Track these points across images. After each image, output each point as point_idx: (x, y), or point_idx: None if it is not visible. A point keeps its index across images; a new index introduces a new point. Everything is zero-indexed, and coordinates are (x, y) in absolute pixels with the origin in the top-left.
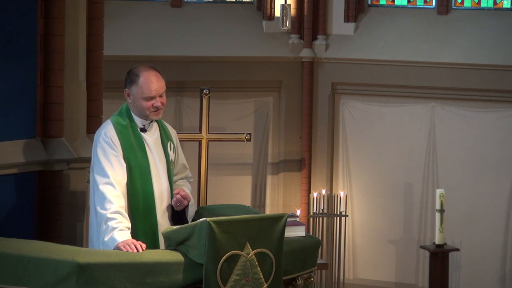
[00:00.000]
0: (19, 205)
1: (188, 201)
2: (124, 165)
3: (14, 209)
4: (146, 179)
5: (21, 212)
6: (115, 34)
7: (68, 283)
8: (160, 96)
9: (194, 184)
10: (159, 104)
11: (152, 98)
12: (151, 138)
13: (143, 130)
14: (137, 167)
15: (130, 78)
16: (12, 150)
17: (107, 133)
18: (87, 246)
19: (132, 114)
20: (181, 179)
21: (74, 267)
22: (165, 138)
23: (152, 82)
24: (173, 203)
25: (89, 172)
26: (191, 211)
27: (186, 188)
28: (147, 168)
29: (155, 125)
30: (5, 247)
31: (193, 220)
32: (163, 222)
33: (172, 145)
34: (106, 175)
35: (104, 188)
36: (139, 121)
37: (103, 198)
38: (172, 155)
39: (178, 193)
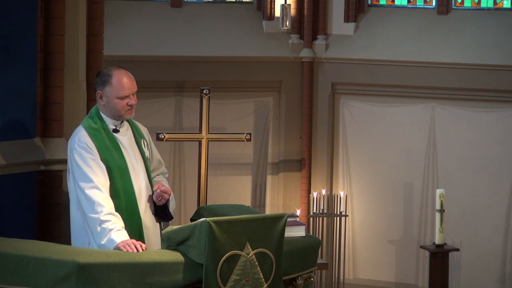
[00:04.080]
0: (19, 205)
1: (169, 195)
2: (104, 167)
3: (14, 209)
4: (125, 178)
5: (21, 212)
6: (115, 34)
7: (68, 283)
8: (133, 94)
9: (194, 184)
10: (133, 102)
11: (126, 96)
12: (124, 137)
13: (116, 131)
14: (116, 167)
15: (102, 79)
16: (12, 150)
17: (81, 138)
18: None
19: (103, 116)
20: (158, 175)
21: (74, 267)
22: (138, 136)
23: (127, 81)
24: (154, 198)
25: None
26: (172, 205)
27: (165, 183)
28: (125, 168)
29: (126, 124)
30: (5, 247)
31: (193, 220)
32: (146, 220)
33: (145, 142)
34: (89, 180)
35: (91, 193)
36: (110, 123)
37: (91, 202)
38: (147, 152)
39: (158, 188)
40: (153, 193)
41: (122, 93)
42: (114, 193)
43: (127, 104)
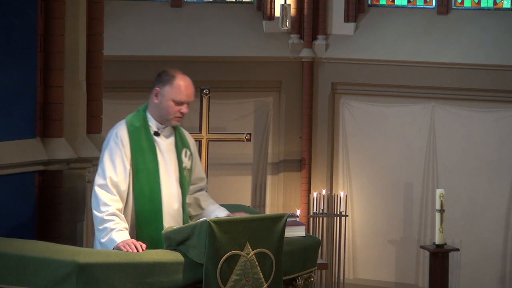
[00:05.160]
0: (19, 205)
1: None
2: (128, 168)
3: (14, 209)
4: (153, 182)
5: (21, 212)
6: (115, 34)
7: (68, 283)
8: (188, 103)
9: None
10: (185, 111)
11: (181, 102)
12: (164, 142)
13: (156, 134)
14: (145, 170)
15: (164, 78)
16: (12, 150)
17: (118, 133)
18: (87, 246)
19: (149, 117)
20: (199, 190)
21: (74, 267)
22: (180, 144)
23: (187, 87)
24: None
25: (89, 172)
26: None
27: (210, 203)
28: (156, 172)
29: (170, 130)
30: (5, 247)
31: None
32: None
33: (188, 153)
34: (104, 177)
35: (98, 191)
36: (154, 124)
37: (98, 200)
38: (187, 162)
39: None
40: (183, 202)
41: (179, 97)
42: (137, 195)
43: (179, 110)
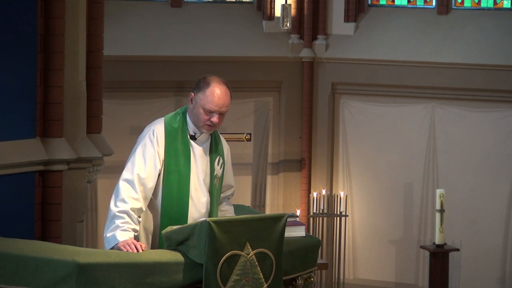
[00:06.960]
0: (19, 205)
1: None
2: (158, 168)
3: (14, 209)
4: (183, 186)
5: (21, 212)
6: (115, 34)
7: (68, 283)
8: (221, 113)
9: None
10: (216, 120)
11: (211, 112)
12: (199, 147)
13: (193, 137)
14: (176, 172)
15: (201, 84)
16: (12, 150)
17: (156, 131)
18: (87, 246)
19: (188, 119)
20: (223, 199)
21: (74, 267)
22: (214, 151)
23: (219, 97)
24: None
25: (89, 172)
26: None
27: (229, 211)
28: (187, 176)
29: (206, 135)
30: (5, 247)
31: None
32: None
33: (221, 160)
34: (132, 172)
35: (122, 185)
36: (191, 128)
37: (118, 195)
38: (218, 170)
39: None
40: (210, 209)
41: (209, 106)
42: (166, 196)
43: (209, 119)
